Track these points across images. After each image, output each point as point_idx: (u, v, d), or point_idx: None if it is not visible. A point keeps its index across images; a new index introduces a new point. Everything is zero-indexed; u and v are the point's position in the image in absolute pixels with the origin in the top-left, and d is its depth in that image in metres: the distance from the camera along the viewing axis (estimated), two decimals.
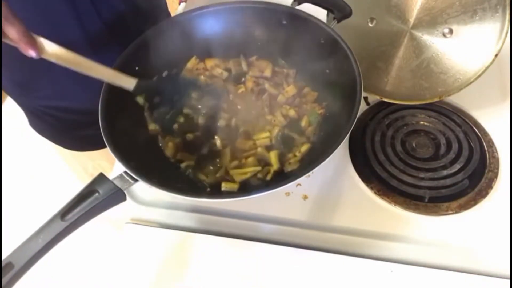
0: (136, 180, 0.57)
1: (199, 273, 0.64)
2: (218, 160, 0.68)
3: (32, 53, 0.50)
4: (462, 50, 0.70)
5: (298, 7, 0.74)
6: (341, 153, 0.74)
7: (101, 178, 0.56)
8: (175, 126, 0.67)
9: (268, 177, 0.65)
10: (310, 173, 0.56)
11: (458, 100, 0.80)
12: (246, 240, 0.66)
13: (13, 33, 0.48)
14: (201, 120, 0.71)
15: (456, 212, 0.66)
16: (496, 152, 0.73)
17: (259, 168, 0.66)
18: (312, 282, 0.62)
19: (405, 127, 0.77)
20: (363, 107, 0.81)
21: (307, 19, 0.72)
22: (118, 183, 0.56)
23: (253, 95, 0.75)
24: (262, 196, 0.54)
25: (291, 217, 0.68)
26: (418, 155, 0.73)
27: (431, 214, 0.66)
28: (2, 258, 0.48)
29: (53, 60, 0.54)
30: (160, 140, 0.71)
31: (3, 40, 0.49)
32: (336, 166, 0.73)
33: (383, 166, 0.71)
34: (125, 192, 0.56)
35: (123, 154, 0.59)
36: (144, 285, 0.64)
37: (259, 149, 0.68)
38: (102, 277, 0.65)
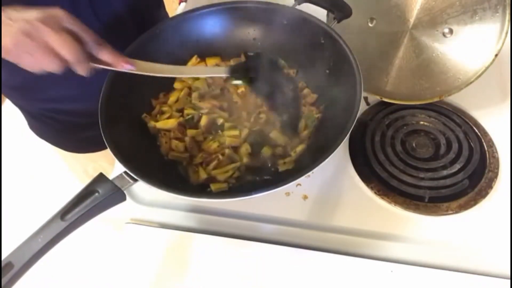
0: (136, 180, 0.57)
1: (199, 273, 0.64)
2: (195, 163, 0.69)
3: (131, 68, 0.53)
4: (462, 50, 0.70)
5: (298, 7, 0.74)
6: (341, 153, 0.74)
7: (101, 178, 0.56)
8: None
9: (242, 172, 0.66)
10: (310, 173, 0.56)
11: (458, 100, 0.80)
12: (246, 240, 0.66)
13: (107, 57, 0.50)
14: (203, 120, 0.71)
15: (456, 212, 0.66)
16: (496, 152, 0.73)
17: (238, 163, 0.66)
18: (312, 282, 0.62)
19: (405, 127, 0.77)
20: (363, 107, 0.81)
21: (308, 19, 0.72)
22: (118, 183, 0.56)
23: (252, 95, 0.75)
24: (262, 196, 0.54)
25: (291, 217, 0.68)
26: (418, 155, 0.73)
27: (431, 214, 0.66)
28: (2, 257, 0.48)
29: (147, 73, 0.58)
30: (159, 139, 0.71)
31: (99, 66, 0.51)
32: (336, 166, 0.73)
33: (383, 166, 0.71)
34: (125, 192, 0.56)
35: (123, 154, 0.59)
36: (144, 285, 0.64)
37: (226, 150, 0.68)
38: (102, 277, 0.65)
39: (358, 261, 0.63)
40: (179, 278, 0.64)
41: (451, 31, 0.70)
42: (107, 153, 0.59)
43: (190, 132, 0.70)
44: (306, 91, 0.75)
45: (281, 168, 0.66)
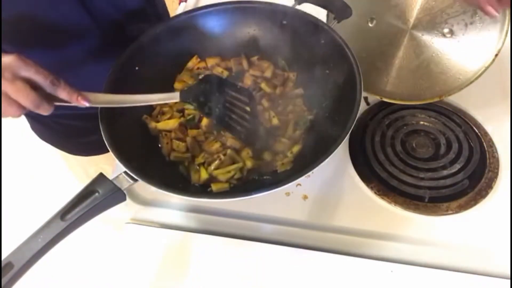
0: (136, 180, 0.57)
1: (199, 273, 0.64)
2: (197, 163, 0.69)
3: (85, 104, 0.54)
4: (462, 50, 0.70)
5: (298, 7, 0.74)
6: (341, 153, 0.74)
7: (101, 178, 0.56)
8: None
9: (245, 173, 0.66)
10: (310, 173, 0.57)
11: (458, 100, 0.80)
12: (246, 240, 0.66)
13: (62, 94, 0.52)
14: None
15: (456, 212, 0.66)
16: (496, 152, 0.73)
17: (240, 164, 0.66)
18: (312, 282, 0.62)
19: (405, 127, 0.77)
20: (363, 107, 0.81)
21: (308, 19, 0.72)
22: (118, 183, 0.56)
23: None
24: (262, 196, 0.54)
25: (291, 217, 0.68)
26: (418, 155, 0.73)
27: (431, 214, 0.66)
28: (2, 258, 0.48)
29: (103, 105, 0.60)
30: (160, 140, 0.71)
31: (57, 103, 0.53)
32: (336, 166, 0.73)
33: (383, 166, 0.71)
34: (125, 192, 0.56)
35: (123, 154, 0.59)
36: (144, 285, 0.64)
37: (228, 151, 0.67)
38: (102, 277, 0.65)
39: (358, 261, 0.63)
40: (179, 278, 0.64)
41: (451, 31, 0.70)
42: (109, 156, 0.59)
43: (191, 132, 0.70)
44: (298, 100, 0.74)
45: (280, 169, 0.66)
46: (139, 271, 0.65)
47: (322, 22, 0.72)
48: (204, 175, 0.66)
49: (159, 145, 0.71)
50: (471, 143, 0.74)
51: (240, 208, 0.69)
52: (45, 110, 0.51)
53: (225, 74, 0.77)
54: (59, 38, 0.68)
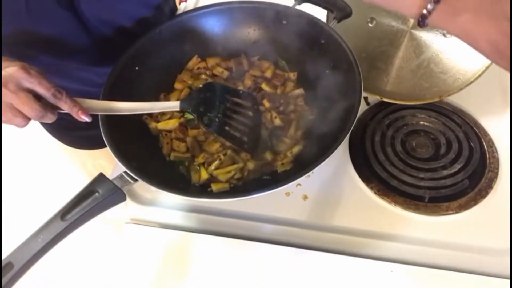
0: (136, 180, 0.57)
1: (199, 273, 0.64)
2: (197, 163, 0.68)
3: (85, 118, 0.55)
4: (462, 50, 0.70)
5: (298, 7, 0.74)
6: (341, 153, 0.74)
7: (101, 178, 0.56)
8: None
9: (245, 174, 0.66)
10: (310, 173, 0.57)
11: (458, 100, 0.80)
12: (246, 240, 0.66)
13: (64, 106, 0.53)
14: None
15: (456, 212, 0.66)
16: (496, 152, 0.73)
17: (241, 164, 0.66)
18: (312, 282, 0.62)
19: (405, 127, 0.77)
20: (363, 107, 0.81)
21: (308, 19, 0.72)
22: (118, 183, 0.56)
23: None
24: (262, 196, 0.55)
25: (291, 217, 0.68)
26: (418, 155, 0.73)
27: (431, 214, 0.66)
28: (2, 258, 0.48)
29: (99, 112, 0.60)
30: (160, 140, 0.71)
31: (60, 111, 0.54)
32: (336, 166, 0.73)
33: (383, 166, 0.71)
34: (125, 192, 0.56)
35: (123, 154, 0.59)
36: (144, 285, 0.64)
37: (228, 151, 0.67)
38: (102, 277, 0.65)
39: (358, 261, 0.63)
40: (179, 278, 0.64)
41: None
42: (108, 151, 0.59)
43: (192, 132, 0.70)
44: (299, 100, 0.74)
45: (280, 169, 0.66)
46: (139, 271, 0.65)
47: (322, 22, 0.72)
48: (204, 175, 0.66)
49: (159, 145, 0.71)
50: (471, 143, 0.74)
51: (240, 208, 0.69)
52: (49, 119, 0.52)
53: (225, 74, 0.77)
54: (57, 51, 0.69)
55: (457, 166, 0.70)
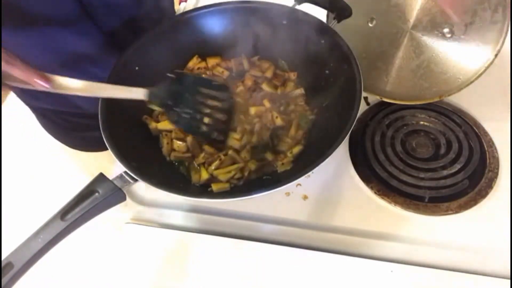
0: (136, 180, 0.57)
1: (199, 273, 0.64)
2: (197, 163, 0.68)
3: (44, 85, 0.50)
4: (462, 50, 0.70)
5: (298, 7, 0.74)
6: (341, 153, 0.74)
7: (101, 178, 0.56)
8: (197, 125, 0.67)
9: (245, 174, 0.66)
10: (310, 173, 0.57)
11: (458, 100, 0.80)
12: (246, 240, 0.66)
13: (18, 73, 0.48)
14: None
15: (456, 212, 0.66)
16: (496, 152, 0.73)
17: (241, 164, 0.66)
18: (312, 282, 0.62)
19: (405, 127, 0.77)
20: (363, 107, 0.81)
21: (307, 19, 0.72)
22: (118, 183, 0.56)
23: (249, 94, 0.75)
24: (262, 196, 0.55)
25: (291, 217, 0.68)
26: (418, 155, 0.73)
27: (431, 214, 0.66)
28: (2, 258, 0.48)
29: (63, 91, 0.54)
30: (160, 140, 0.71)
31: (12, 84, 0.49)
32: (336, 166, 0.73)
33: (383, 166, 0.71)
34: (125, 192, 0.56)
35: (123, 154, 0.59)
36: (144, 285, 0.64)
37: (229, 151, 0.67)
38: (102, 277, 0.65)
39: (358, 261, 0.63)
40: (179, 278, 0.64)
41: (451, 31, 0.70)
42: (109, 152, 0.59)
43: None
44: (300, 100, 0.74)
45: (280, 169, 0.66)
46: (139, 271, 0.65)
47: (322, 22, 0.72)
48: (204, 175, 0.66)
49: (160, 145, 0.71)
50: (471, 143, 0.74)
51: (240, 208, 0.69)
52: None
53: (226, 74, 0.77)
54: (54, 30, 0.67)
55: (457, 166, 0.70)
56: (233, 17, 0.78)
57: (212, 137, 0.67)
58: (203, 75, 0.77)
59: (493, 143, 0.74)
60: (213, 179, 0.66)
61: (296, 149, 0.68)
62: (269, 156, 0.67)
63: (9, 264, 0.47)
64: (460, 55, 0.71)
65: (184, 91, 0.65)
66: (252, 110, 0.72)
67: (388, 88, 0.78)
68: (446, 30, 0.70)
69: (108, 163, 0.94)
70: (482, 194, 0.68)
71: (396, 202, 0.68)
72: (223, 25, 0.79)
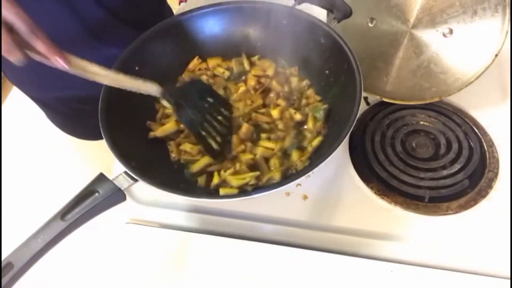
0: (136, 180, 0.57)
1: (199, 273, 0.64)
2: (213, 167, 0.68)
3: (61, 64, 0.49)
4: (462, 50, 0.70)
5: (298, 7, 0.74)
6: (341, 153, 0.74)
7: (101, 178, 0.56)
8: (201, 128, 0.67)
9: (263, 181, 0.64)
10: (310, 173, 0.57)
11: (458, 100, 0.80)
12: (246, 240, 0.66)
13: (40, 46, 0.47)
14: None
15: (456, 212, 0.66)
16: (496, 152, 0.73)
17: (258, 172, 0.64)
18: (312, 282, 0.62)
19: (405, 127, 0.77)
20: (363, 107, 0.81)
21: (307, 19, 0.72)
22: (118, 183, 0.56)
23: (254, 94, 0.75)
24: (262, 196, 0.55)
25: (291, 217, 0.68)
26: (418, 155, 0.73)
27: (431, 214, 0.66)
28: (2, 258, 0.48)
29: (79, 73, 0.53)
30: (168, 143, 0.71)
31: (31, 55, 0.48)
32: (336, 166, 0.73)
33: (383, 166, 0.71)
34: (125, 192, 0.56)
35: (123, 154, 0.59)
36: (144, 285, 0.64)
37: (257, 157, 0.67)
38: (102, 277, 0.65)
39: (358, 261, 0.63)
40: (179, 278, 0.64)
41: (451, 31, 0.70)
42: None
43: None
44: (309, 91, 0.75)
45: (299, 167, 0.65)
46: (139, 271, 0.65)
47: (322, 22, 0.72)
48: (215, 180, 0.65)
49: (159, 146, 0.70)
50: (471, 143, 0.74)
51: (240, 208, 0.69)
52: (15, 59, 0.46)
53: (227, 74, 0.77)
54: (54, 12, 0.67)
55: (457, 166, 0.70)
56: (233, 17, 0.78)
57: (212, 145, 0.67)
58: (204, 77, 0.77)
59: (493, 143, 0.74)
60: (223, 184, 0.65)
61: (316, 141, 0.67)
62: (294, 156, 0.66)
63: (9, 264, 0.47)
64: (460, 55, 0.71)
65: (196, 96, 0.67)
66: (275, 113, 0.71)
67: (388, 88, 0.78)
68: (446, 30, 0.70)
69: (109, 163, 0.94)
70: (482, 194, 0.68)
71: (396, 202, 0.68)
72: (223, 25, 0.79)
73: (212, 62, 0.78)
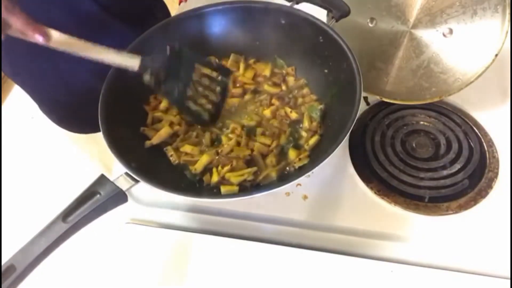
0: (137, 181, 0.57)
1: (199, 273, 0.64)
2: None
3: (39, 39, 0.49)
4: (462, 50, 0.70)
5: (296, 7, 0.74)
6: (341, 153, 0.74)
7: (102, 179, 0.56)
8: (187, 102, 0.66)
9: (260, 178, 0.65)
10: (310, 173, 0.57)
11: (458, 100, 0.80)
12: (246, 240, 0.66)
13: (17, 23, 0.47)
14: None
15: (456, 212, 0.66)
16: (496, 152, 0.73)
17: (255, 168, 0.65)
18: (312, 282, 0.62)
19: (405, 127, 0.77)
20: (363, 107, 0.81)
21: (306, 18, 0.72)
22: (119, 184, 0.56)
23: (249, 95, 0.75)
24: (262, 196, 0.55)
25: (291, 217, 0.68)
26: (418, 155, 0.73)
27: (431, 214, 0.66)
28: (4, 261, 0.48)
29: (58, 47, 0.53)
30: (165, 148, 0.70)
31: (9, 33, 0.48)
32: (336, 166, 0.73)
33: (383, 166, 0.71)
34: (126, 193, 0.56)
35: (124, 155, 0.59)
36: (144, 285, 0.64)
37: (254, 153, 0.67)
38: (103, 277, 0.65)
39: (358, 261, 0.63)
40: (179, 278, 0.64)
41: (451, 31, 0.70)
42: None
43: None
44: (305, 90, 0.75)
45: (297, 165, 0.66)
46: (139, 271, 0.65)
47: (321, 21, 0.72)
48: (215, 178, 0.65)
49: (159, 146, 0.70)
50: (471, 143, 0.74)
51: (240, 208, 0.69)
52: None
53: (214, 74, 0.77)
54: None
55: (457, 166, 0.70)
56: (231, 17, 0.78)
57: (201, 117, 0.66)
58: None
59: (493, 143, 0.74)
60: (223, 181, 0.65)
61: (312, 140, 0.68)
62: (292, 155, 0.67)
63: (11, 267, 0.47)
64: (460, 55, 0.71)
65: (180, 66, 0.64)
66: (267, 112, 0.72)
67: (388, 88, 0.78)
68: (446, 30, 0.70)
69: (110, 164, 0.94)
70: (482, 194, 0.68)
71: (396, 202, 0.68)
72: (222, 25, 0.79)
73: None
